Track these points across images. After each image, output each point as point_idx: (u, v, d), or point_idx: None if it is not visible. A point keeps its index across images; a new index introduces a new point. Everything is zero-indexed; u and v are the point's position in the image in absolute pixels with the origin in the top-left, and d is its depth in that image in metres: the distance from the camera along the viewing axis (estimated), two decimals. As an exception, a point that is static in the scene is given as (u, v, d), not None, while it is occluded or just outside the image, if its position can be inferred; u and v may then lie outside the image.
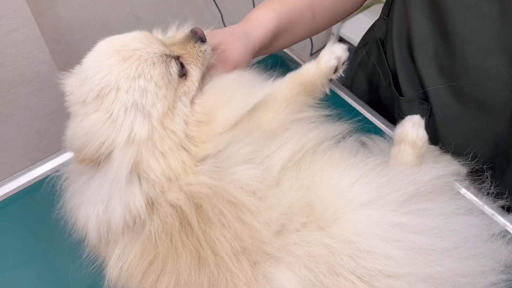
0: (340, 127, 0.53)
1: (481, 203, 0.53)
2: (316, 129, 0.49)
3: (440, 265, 0.39)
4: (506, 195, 0.54)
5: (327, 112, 0.54)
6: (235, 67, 0.56)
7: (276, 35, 0.63)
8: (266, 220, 0.41)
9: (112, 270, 0.46)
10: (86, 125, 0.44)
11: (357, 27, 1.73)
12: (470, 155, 0.57)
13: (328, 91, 0.58)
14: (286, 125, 0.48)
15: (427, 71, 0.60)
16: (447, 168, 0.48)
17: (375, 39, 0.73)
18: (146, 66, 0.45)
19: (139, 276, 0.44)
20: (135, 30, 0.49)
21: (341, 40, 1.82)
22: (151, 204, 0.44)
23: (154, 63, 0.45)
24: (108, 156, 0.43)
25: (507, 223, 0.55)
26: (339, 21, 0.74)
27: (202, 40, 0.52)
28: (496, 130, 0.58)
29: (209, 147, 0.45)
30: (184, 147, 0.45)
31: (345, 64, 0.58)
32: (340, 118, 0.55)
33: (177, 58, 0.49)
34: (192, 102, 0.48)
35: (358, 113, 0.70)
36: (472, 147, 0.60)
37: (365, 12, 1.82)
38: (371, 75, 0.76)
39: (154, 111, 0.44)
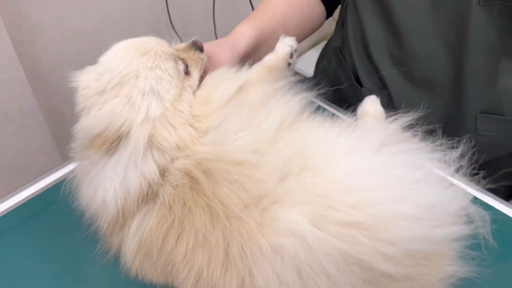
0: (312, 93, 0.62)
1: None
2: (295, 97, 0.58)
3: (416, 190, 0.48)
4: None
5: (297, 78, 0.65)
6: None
7: (256, 46, 0.75)
8: (269, 171, 0.48)
9: (131, 242, 0.51)
10: (107, 109, 0.50)
11: (308, 61, 1.91)
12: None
13: (290, 74, 0.68)
14: (267, 96, 0.57)
15: (382, 63, 0.73)
16: (408, 121, 0.58)
17: (334, 48, 0.86)
18: (161, 60, 0.53)
19: (159, 241, 0.49)
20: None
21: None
22: (163, 173, 0.50)
23: (167, 59, 0.54)
24: (127, 134, 0.50)
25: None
26: (308, 36, 0.88)
27: (201, 49, 0.62)
28: (443, 103, 0.70)
29: (210, 121, 0.53)
30: (190, 124, 0.53)
31: (296, 51, 0.69)
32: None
33: (182, 59, 0.58)
34: (194, 93, 0.57)
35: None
36: (427, 124, 0.71)
37: (314, 48, 2.02)
38: (333, 79, 0.88)
39: (167, 96, 0.52)
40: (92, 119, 0.52)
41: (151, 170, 0.49)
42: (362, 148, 0.51)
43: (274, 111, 0.54)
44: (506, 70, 0.66)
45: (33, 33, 1.05)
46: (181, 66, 0.56)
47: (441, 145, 0.61)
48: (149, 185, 0.50)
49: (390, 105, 0.75)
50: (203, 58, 0.62)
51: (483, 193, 0.64)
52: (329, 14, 0.87)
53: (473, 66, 0.65)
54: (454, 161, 0.53)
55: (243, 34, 0.73)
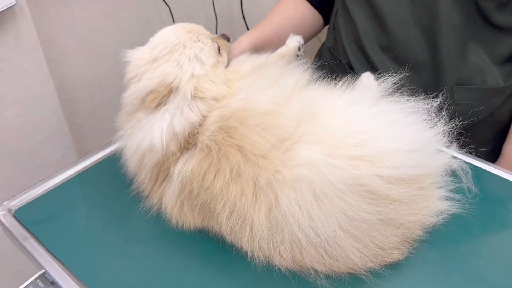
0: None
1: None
2: (304, 71, 0.72)
3: (409, 130, 0.60)
4: None
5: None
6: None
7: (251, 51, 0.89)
8: (289, 119, 0.60)
9: (174, 186, 0.62)
10: (161, 70, 0.63)
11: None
12: None
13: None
14: (282, 70, 0.71)
15: (373, 51, 0.86)
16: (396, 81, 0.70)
17: (327, 48, 1.00)
18: (202, 37, 0.68)
19: (200, 178, 0.59)
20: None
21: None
22: (202, 122, 0.62)
23: (207, 37, 0.69)
24: (177, 88, 0.62)
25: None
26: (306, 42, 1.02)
27: (228, 39, 0.77)
28: (425, 79, 0.83)
29: (240, 83, 0.66)
30: (225, 84, 0.66)
31: (303, 46, 0.83)
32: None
33: (216, 42, 0.72)
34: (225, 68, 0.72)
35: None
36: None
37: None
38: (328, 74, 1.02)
39: (208, 61, 0.66)
40: (146, 80, 0.64)
41: (195, 115, 0.62)
42: (361, 101, 0.64)
43: (289, 78, 0.68)
44: (473, 49, 0.80)
45: (60, 53, 1.17)
46: (216, 45, 0.70)
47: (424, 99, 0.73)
48: (191, 131, 0.62)
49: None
50: (229, 46, 0.77)
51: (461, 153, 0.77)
52: (326, 21, 1.01)
53: (446, 47, 0.80)
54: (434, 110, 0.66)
55: (240, 43, 0.87)
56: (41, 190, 0.76)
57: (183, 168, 0.61)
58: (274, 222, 0.56)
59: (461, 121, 0.74)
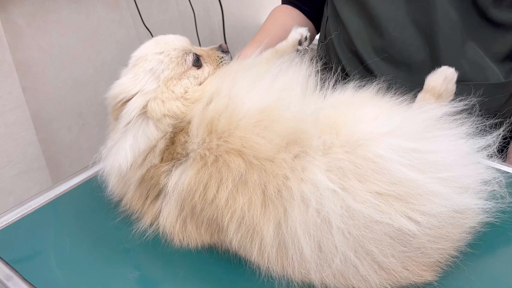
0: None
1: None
2: (302, 67, 0.63)
3: (449, 171, 0.50)
4: None
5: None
6: None
7: None
8: (292, 114, 0.54)
9: (171, 202, 0.56)
10: (119, 82, 0.60)
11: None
12: None
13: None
14: (272, 68, 0.63)
15: (367, 54, 0.83)
16: (451, 107, 0.60)
17: (320, 59, 0.97)
18: (168, 49, 0.62)
19: (201, 192, 0.52)
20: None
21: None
22: (173, 135, 0.57)
23: (175, 49, 0.63)
24: (125, 103, 0.58)
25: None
26: None
27: (224, 51, 0.70)
28: (423, 79, 0.79)
29: (211, 85, 0.61)
30: (179, 100, 0.59)
31: (307, 39, 0.77)
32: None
33: (197, 55, 0.65)
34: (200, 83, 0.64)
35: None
36: None
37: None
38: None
39: (162, 75, 0.60)
40: (109, 91, 0.61)
41: (154, 133, 0.57)
42: (401, 132, 0.53)
43: (283, 72, 0.61)
44: (471, 46, 0.78)
45: (37, 81, 1.10)
46: (190, 58, 0.63)
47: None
48: (175, 141, 0.57)
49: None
50: (223, 57, 0.69)
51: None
52: (318, 29, 0.99)
53: (444, 44, 0.77)
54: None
55: (245, 56, 0.82)
56: (16, 216, 0.66)
57: (178, 181, 0.55)
58: (282, 238, 0.49)
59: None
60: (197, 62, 0.64)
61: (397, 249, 0.48)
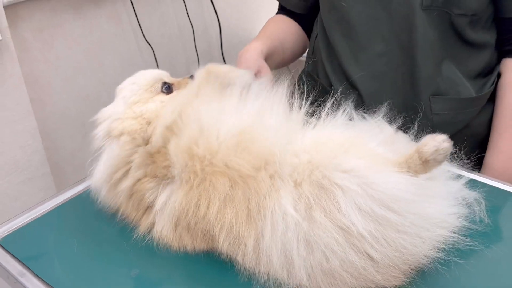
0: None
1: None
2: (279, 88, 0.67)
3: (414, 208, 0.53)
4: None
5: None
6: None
7: (266, 59, 0.91)
8: (268, 137, 0.58)
9: (165, 218, 0.61)
10: (101, 110, 0.69)
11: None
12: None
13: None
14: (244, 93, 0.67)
15: (352, 68, 0.89)
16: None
17: (308, 73, 1.04)
18: (140, 79, 0.71)
19: (193, 211, 0.58)
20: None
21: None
22: (167, 162, 0.61)
23: (146, 79, 0.70)
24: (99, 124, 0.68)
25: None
26: (296, 59, 1.08)
27: (192, 77, 0.75)
28: (403, 92, 0.86)
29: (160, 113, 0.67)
30: (137, 119, 0.66)
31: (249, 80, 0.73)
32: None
33: (168, 83, 0.71)
34: None
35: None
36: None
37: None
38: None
39: (130, 100, 0.68)
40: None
41: (116, 149, 0.64)
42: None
43: (258, 96, 0.66)
44: (447, 64, 0.85)
45: (43, 92, 1.16)
46: (159, 85, 0.70)
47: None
48: (146, 161, 0.63)
49: (360, 103, 0.89)
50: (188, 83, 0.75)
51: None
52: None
53: (422, 60, 0.83)
54: None
55: (261, 49, 0.89)
56: (26, 220, 0.72)
57: (169, 201, 0.60)
58: (259, 250, 0.55)
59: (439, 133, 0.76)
60: (167, 89, 0.71)
61: (350, 279, 0.52)
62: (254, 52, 0.87)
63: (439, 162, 0.55)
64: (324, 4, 0.94)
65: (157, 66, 1.46)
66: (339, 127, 0.63)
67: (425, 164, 0.55)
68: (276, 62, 0.99)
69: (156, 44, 1.42)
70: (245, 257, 0.56)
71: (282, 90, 0.66)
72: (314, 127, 0.62)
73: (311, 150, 0.57)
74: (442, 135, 0.56)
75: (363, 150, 0.58)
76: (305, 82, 1.05)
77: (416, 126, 0.68)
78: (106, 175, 0.64)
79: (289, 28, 1.04)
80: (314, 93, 0.98)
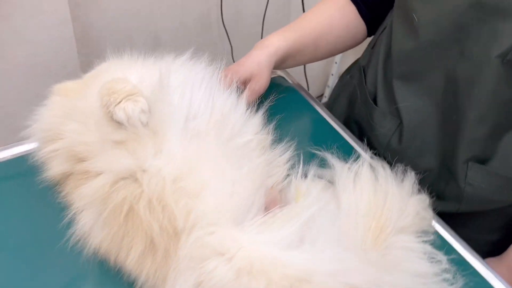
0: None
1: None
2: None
3: None
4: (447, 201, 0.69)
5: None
6: (263, 91, 0.75)
7: (284, 58, 0.79)
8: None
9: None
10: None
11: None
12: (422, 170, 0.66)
13: None
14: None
15: (401, 96, 0.72)
16: None
17: (359, 66, 0.86)
18: None
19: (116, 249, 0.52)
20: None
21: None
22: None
23: None
24: None
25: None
26: (339, 53, 0.93)
27: None
28: (443, 143, 0.70)
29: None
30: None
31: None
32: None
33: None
34: None
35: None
36: (425, 161, 0.72)
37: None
38: (351, 94, 0.89)
39: None
40: None
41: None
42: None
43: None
44: (509, 137, 0.65)
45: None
46: None
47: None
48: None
49: (398, 135, 0.75)
50: None
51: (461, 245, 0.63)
52: (370, 32, 0.87)
53: (475, 120, 0.64)
54: None
55: (277, 47, 0.76)
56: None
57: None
58: None
59: (469, 204, 0.66)
60: None
61: None
62: (261, 53, 0.75)
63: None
64: (398, 7, 0.73)
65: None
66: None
67: None
68: (301, 61, 0.85)
69: None
70: None
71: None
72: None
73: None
74: None
75: None
76: (352, 76, 0.89)
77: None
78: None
79: (339, 20, 0.83)
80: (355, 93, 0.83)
